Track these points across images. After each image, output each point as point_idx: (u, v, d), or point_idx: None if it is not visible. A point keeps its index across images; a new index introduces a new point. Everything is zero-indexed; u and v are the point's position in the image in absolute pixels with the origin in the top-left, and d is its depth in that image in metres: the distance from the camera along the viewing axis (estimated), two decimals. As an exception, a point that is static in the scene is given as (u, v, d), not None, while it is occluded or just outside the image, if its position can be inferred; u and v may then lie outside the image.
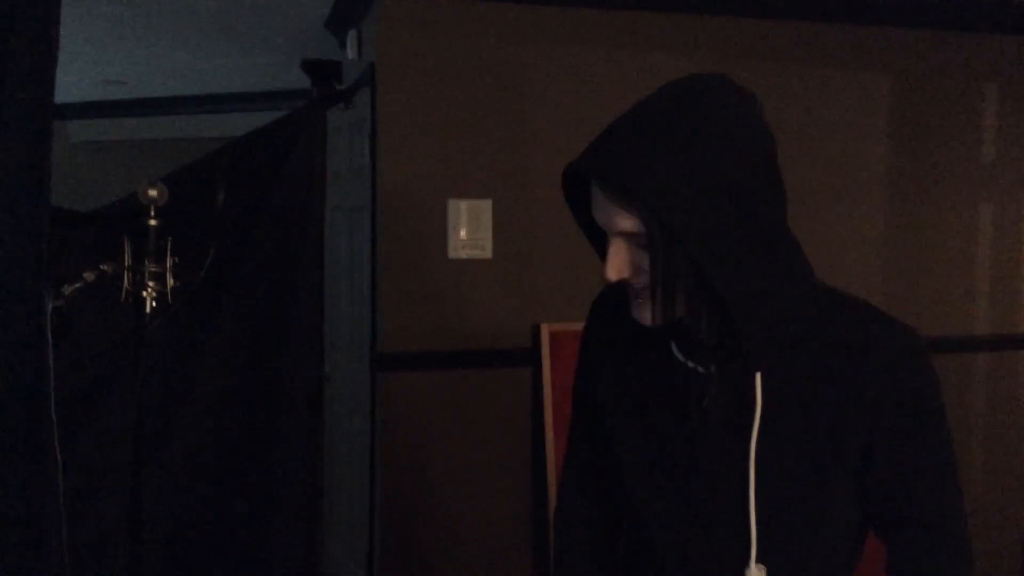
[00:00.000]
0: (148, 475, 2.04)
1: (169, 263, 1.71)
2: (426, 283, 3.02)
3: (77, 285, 1.64)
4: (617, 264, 1.05)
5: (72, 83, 5.17)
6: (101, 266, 1.66)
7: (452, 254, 3.02)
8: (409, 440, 3.02)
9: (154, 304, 1.71)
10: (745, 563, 1.10)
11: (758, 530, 1.08)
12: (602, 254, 1.09)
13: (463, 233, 3.02)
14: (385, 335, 2.98)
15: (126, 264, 1.68)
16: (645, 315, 1.08)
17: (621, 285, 1.09)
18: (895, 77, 3.43)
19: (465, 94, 3.02)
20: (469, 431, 3.07)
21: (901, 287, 3.45)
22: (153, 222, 1.69)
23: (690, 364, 1.14)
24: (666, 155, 0.98)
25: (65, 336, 1.75)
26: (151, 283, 1.69)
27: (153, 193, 1.68)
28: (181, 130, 5.96)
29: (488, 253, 3.04)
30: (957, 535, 1.11)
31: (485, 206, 3.03)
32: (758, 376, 1.08)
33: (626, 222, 1.02)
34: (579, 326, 1.35)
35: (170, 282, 1.71)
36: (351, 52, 3.61)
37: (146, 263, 1.68)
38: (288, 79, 5.00)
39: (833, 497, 1.10)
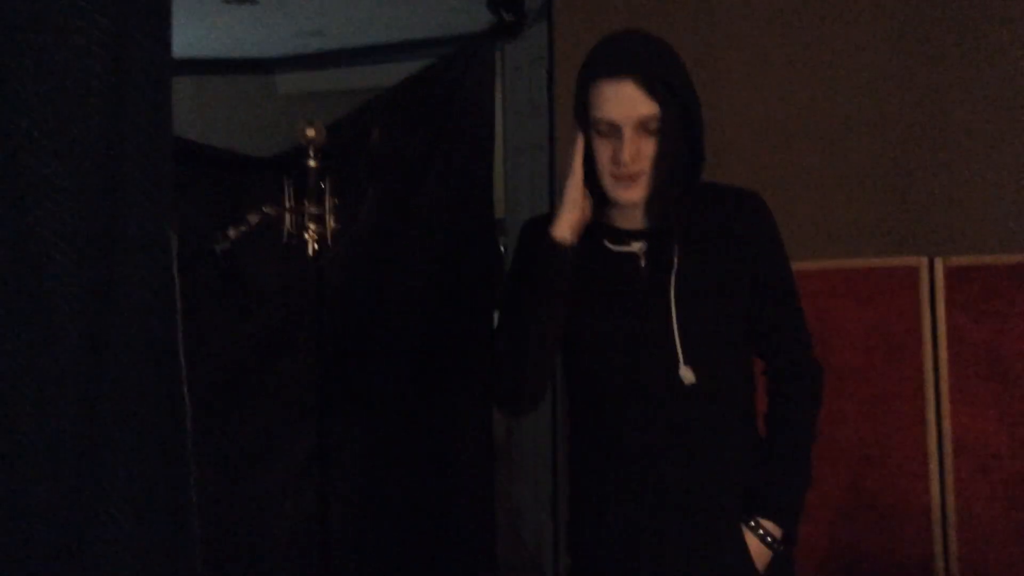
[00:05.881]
0: (333, 416, 2.09)
1: (328, 204, 1.70)
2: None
3: (242, 228, 1.66)
4: (633, 150, 1.48)
5: (272, 36, 5.40)
6: (264, 208, 1.68)
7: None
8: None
9: (316, 247, 1.71)
10: (676, 368, 1.55)
11: (681, 342, 1.55)
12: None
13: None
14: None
15: (287, 206, 1.69)
16: (635, 194, 1.53)
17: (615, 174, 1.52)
18: None
19: (646, 24, 2.85)
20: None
21: None
22: (312, 163, 1.69)
23: (621, 249, 1.60)
24: (676, 65, 1.53)
25: (235, 279, 1.80)
26: (312, 225, 1.69)
27: (310, 132, 1.67)
28: (382, 78, 6.10)
29: (671, 190, 2.89)
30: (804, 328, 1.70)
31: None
32: (676, 242, 1.57)
33: (648, 107, 1.47)
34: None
35: (330, 224, 1.71)
36: (532, -15, 3.51)
37: (306, 204, 1.68)
38: (480, 21, 4.99)
39: (731, 314, 1.60)
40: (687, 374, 1.55)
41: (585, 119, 1.52)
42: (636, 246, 1.59)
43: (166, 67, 1.05)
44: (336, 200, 1.71)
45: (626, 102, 1.46)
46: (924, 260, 2.69)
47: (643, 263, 1.58)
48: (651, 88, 1.46)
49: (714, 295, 1.58)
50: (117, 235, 1.06)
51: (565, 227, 1.55)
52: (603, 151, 1.51)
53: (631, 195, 1.52)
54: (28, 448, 1.04)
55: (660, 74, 1.47)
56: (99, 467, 1.05)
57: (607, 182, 1.53)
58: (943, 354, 2.64)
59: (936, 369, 2.63)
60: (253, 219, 1.66)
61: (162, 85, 1.06)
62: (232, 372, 1.99)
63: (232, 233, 1.64)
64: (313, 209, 1.69)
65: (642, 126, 1.47)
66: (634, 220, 1.58)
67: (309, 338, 2.04)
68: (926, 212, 2.84)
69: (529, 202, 3.51)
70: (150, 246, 1.05)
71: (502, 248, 3.78)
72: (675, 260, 1.56)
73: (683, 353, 1.55)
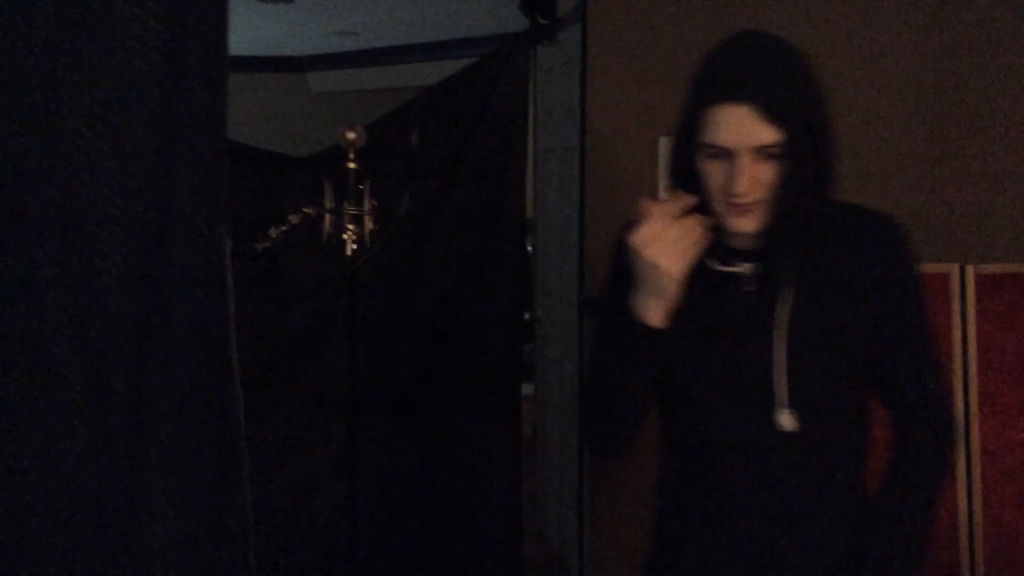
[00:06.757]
0: (365, 412, 2.13)
1: (367, 206, 1.74)
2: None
3: (283, 228, 1.71)
4: (749, 179, 1.27)
5: (306, 35, 5.45)
6: (304, 209, 1.72)
7: (663, 195, 2.91)
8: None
9: (354, 246, 1.75)
10: (773, 412, 1.35)
11: (785, 382, 1.34)
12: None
13: (675, 173, 2.90)
14: (592, 279, 2.94)
15: (327, 207, 1.73)
16: (750, 224, 1.32)
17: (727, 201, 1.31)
18: None
19: (680, 28, 2.87)
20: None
21: None
22: (352, 165, 1.73)
23: (726, 269, 1.39)
24: (803, 80, 1.32)
25: (273, 277, 1.85)
26: (350, 225, 1.73)
27: (351, 136, 1.71)
28: (415, 78, 6.14)
29: (701, 193, 2.90)
30: (941, 392, 1.45)
31: (699, 144, 2.89)
32: (789, 265, 1.35)
33: (768, 134, 1.25)
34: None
35: (368, 225, 1.75)
36: (565, -11, 3.53)
37: (345, 206, 1.72)
38: (512, 22, 5.01)
39: (847, 354, 1.37)
40: (787, 419, 1.35)
41: (690, 141, 1.32)
42: (744, 267, 1.38)
43: (222, 70, 1.08)
44: (375, 202, 1.75)
45: (741, 129, 1.25)
46: (955, 267, 2.69)
47: (750, 287, 1.38)
48: (773, 113, 1.25)
49: (829, 330, 1.36)
50: (169, 234, 1.09)
51: (659, 315, 1.34)
52: (714, 175, 1.31)
53: (746, 225, 1.32)
54: (75, 442, 1.05)
55: (783, 96, 1.27)
56: (147, 462, 1.07)
57: (718, 208, 1.33)
58: (972, 361, 2.63)
59: (965, 376, 2.63)
60: (294, 219, 1.71)
61: (218, 88, 1.08)
62: (267, 368, 2.04)
63: (273, 232, 1.69)
64: (352, 210, 1.73)
65: (760, 152, 1.27)
66: (744, 236, 1.36)
67: (343, 335, 2.08)
68: (957, 219, 2.84)
69: (558, 203, 3.54)
70: (202, 245, 1.08)
71: (529, 248, 3.82)
72: (787, 286, 1.36)
73: (786, 395, 1.34)
